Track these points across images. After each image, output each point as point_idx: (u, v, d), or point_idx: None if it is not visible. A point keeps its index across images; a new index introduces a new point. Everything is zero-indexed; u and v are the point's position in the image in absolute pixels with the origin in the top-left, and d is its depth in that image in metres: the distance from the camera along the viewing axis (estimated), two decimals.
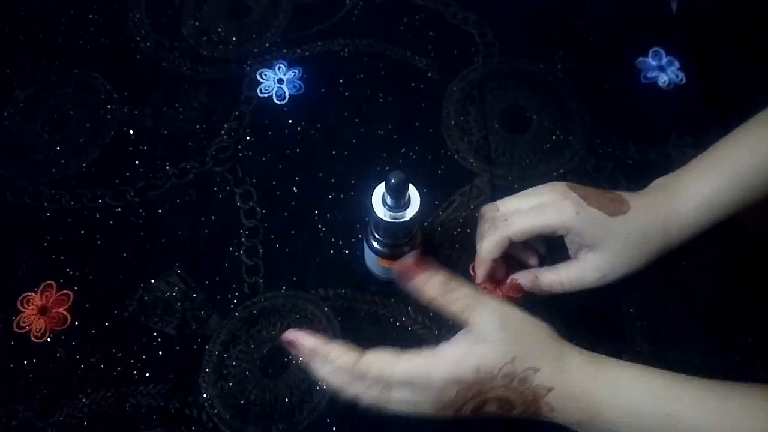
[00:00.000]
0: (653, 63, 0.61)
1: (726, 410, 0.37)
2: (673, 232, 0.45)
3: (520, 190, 0.49)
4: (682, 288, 0.51)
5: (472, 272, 0.49)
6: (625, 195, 0.46)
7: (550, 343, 0.40)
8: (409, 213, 0.41)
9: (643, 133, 0.57)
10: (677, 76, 0.60)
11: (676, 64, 0.61)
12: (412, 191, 0.42)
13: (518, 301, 0.49)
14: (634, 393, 0.39)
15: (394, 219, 0.41)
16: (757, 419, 0.37)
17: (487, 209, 0.47)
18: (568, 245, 0.46)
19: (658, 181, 0.48)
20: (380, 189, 0.42)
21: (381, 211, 0.42)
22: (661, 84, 0.60)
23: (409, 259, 0.41)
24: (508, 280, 0.47)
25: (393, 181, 0.39)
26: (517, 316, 0.40)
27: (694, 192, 0.45)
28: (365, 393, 0.38)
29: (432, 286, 0.39)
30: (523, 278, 0.47)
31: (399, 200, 0.41)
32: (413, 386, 0.38)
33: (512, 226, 0.44)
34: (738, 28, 0.66)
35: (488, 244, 0.44)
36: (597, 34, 0.62)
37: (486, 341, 0.38)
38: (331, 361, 0.38)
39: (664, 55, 0.61)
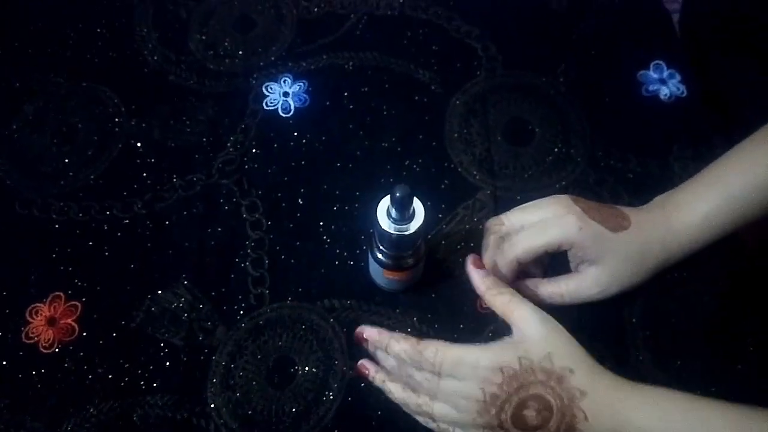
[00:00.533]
0: (654, 76, 0.62)
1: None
2: (670, 249, 0.46)
3: (523, 202, 0.50)
4: (684, 300, 0.51)
5: (470, 264, 0.49)
6: (627, 210, 0.47)
7: (583, 351, 0.43)
8: (414, 226, 0.42)
9: (645, 146, 0.58)
10: (678, 89, 0.61)
11: (678, 77, 0.61)
12: (417, 204, 0.42)
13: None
14: (660, 400, 0.41)
15: (399, 232, 0.42)
16: None
17: (492, 223, 0.47)
18: (570, 258, 0.47)
19: (658, 199, 0.49)
20: (385, 202, 0.42)
21: (386, 224, 0.42)
22: (662, 97, 0.60)
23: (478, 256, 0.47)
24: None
25: (398, 194, 0.40)
26: (554, 320, 0.43)
27: (691, 211, 0.46)
28: (419, 379, 0.43)
29: (487, 280, 0.45)
30: (524, 289, 0.48)
31: (404, 213, 0.41)
32: (462, 368, 0.41)
33: (518, 248, 0.45)
34: (740, 39, 0.67)
35: (500, 271, 0.46)
36: (598, 47, 0.63)
37: (526, 336, 0.42)
38: (394, 344, 0.44)
39: (665, 68, 0.62)
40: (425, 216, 0.42)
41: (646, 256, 0.46)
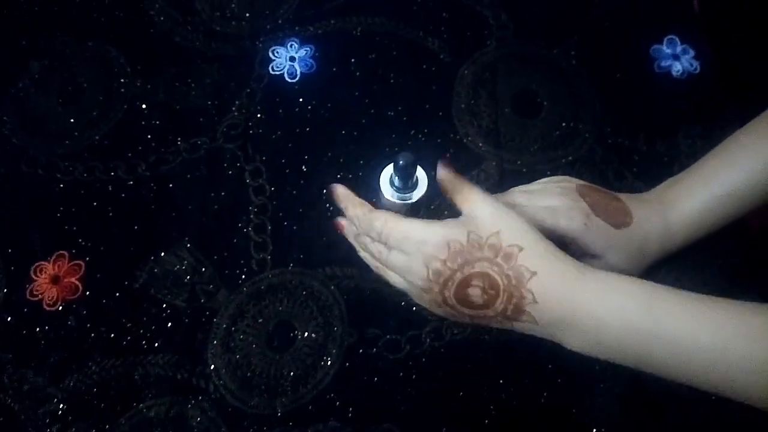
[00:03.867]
0: (668, 51, 0.60)
1: (712, 318, 0.37)
2: (667, 244, 0.47)
3: (529, 176, 0.49)
4: (683, 275, 0.51)
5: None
6: (629, 202, 0.47)
7: (537, 233, 0.41)
8: (417, 194, 0.42)
9: (654, 123, 0.57)
10: (692, 65, 0.60)
11: (691, 52, 0.60)
12: (420, 173, 0.42)
13: None
14: (620, 290, 0.38)
15: (402, 200, 0.42)
16: (739, 328, 0.36)
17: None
18: (570, 250, 0.46)
19: (658, 189, 0.49)
20: (388, 170, 0.42)
21: (389, 192, 0.42)
22: (674, 73, 0.59)
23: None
24: None
25: (402, 162, 0.39)
26: (507, 205, 0.42)
27: (687, 208, 0.46)
28: (372, 249, 0.43)
29: (449, 172, 0.42)
30: None
31: (407, 181, 0.41)
32: (408, 243, 0.41)
33: (526, 213, 0.44)
34: (759, 14, 0.65)
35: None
36: (612, 19, 0.62)
37: (477, 216, 0.40)
38: (351, 207, 0.44)
39: (679, 42, 0.61)
40: (429, 184, 0.42)
41: (645, 251, 0.46)
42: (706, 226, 0.47)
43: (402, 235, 0.41)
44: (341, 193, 0.46)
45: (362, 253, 0.47)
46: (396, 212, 0.44)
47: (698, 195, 0.47)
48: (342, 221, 0.47)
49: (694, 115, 0.57)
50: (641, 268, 0.47)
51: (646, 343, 0.37)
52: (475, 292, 0.39)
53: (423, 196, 0.42)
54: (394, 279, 0.44)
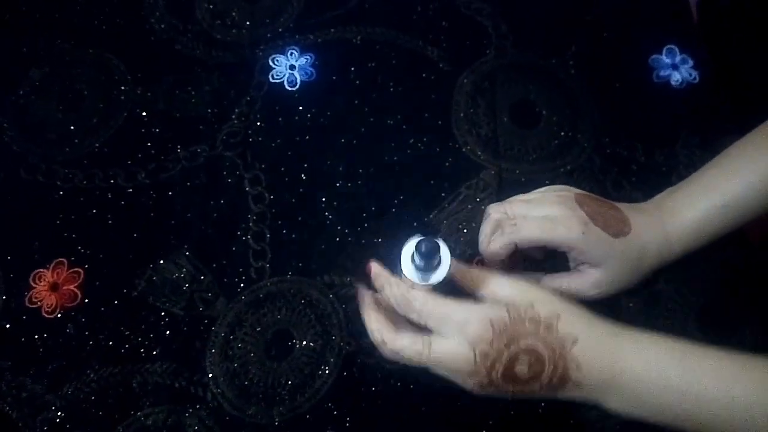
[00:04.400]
0: (667, 61, 0.61)
1: (749, 376, 0.38)
2: (665, 253, 0.47)
3: (528, 185, 0.50)
4: (683, 286, 0.51)
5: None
6: (627, 211, 0.47)
7: (566, 299, 0.42)
8: (440, 274, 0.40)
9: (653, 133, 0.57)
10: (690, 74, 0.60)
11: (690, 62, 0.60)
12: (444, 251, 0.40)
13: None
14: (657, 348, 0.40)
15: (425, 281, 0.40)
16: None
17: (494, 209, 0.47)
18: (569, 258, 0.47)
19: (657, 199, 0.49)
20: (409, 249, 0.40)
21: (410, 273, 0.40)
22: (673, 83, 0.59)
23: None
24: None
25: (424, 249, 0.38)
26: (526, 280, 0.42)
27: (685, 218, 0.47)
28: (408, 344, 0.41)
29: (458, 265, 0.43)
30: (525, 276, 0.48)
31: (430, 263, 0.40)
32: (449, 326, 0.39)
33: (520, 232, 0.44)
34: (761, 24, 0.66)
35: (495, 246, 0.45)
36: (611, 29, 0.62)
37: (505, 295, 0.41)
38: (388, 287, 0.42)
39: (678, 52, 0.61)
40: (450, 260, 0.41)
41: (643, 261, 0.46)
42: (705, 236, 0.47)
43: (442, 314, 0.40)
44: (377, 271, 0.44)
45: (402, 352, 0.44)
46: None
47: (697, 205, 0.47)
48: (373, 268, 0.45)
49: (692, 125, 0.57)
50: (639, 277, 0.47)
51: (684, 402, 0.38)
52: (522, 369, 0.39)
53: (446, 275, 0.40)
54: (436, 369, 0.42)
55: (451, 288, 0.48)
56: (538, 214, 0.45)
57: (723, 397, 0.37)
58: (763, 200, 0.46)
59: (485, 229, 0.47)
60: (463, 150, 0.56)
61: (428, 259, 0.39)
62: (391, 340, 0.41)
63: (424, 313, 0.40)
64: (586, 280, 0.46)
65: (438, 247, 0.39)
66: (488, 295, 0.42)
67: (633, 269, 0.46)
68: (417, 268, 0.40)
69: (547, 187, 0.49)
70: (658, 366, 0.39)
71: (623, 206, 0.48)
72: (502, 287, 0.41)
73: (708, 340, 0.48)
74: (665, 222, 0.47)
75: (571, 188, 0.48)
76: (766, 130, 0.48)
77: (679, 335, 0.48)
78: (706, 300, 0.51)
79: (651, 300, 0.51)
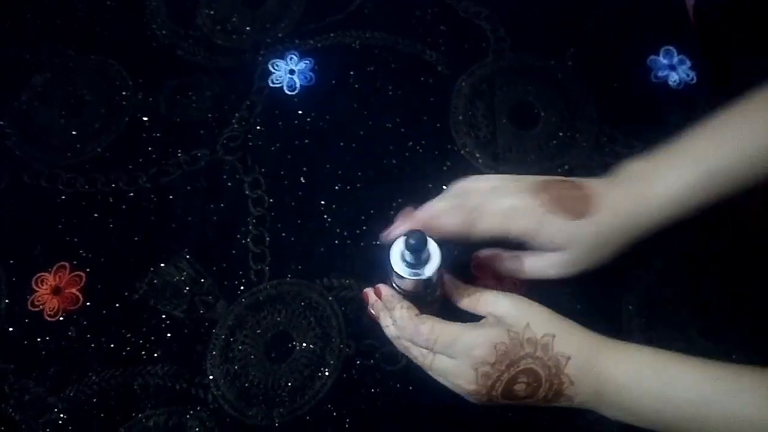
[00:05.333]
0: (664, 61, 0.61)
1: (722, 381, 0.39)
2: (642, 225, 0.45)
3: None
4: (682, 286, 0.51)
5: (473, 270, 0.50)
6: (595, 188, 0.45)
7: (557, 316, 0.43)
8: (430, 269, 0.41)
9: (651, 133, 0.56)
10: (688, 75, 0.60)
11: (688, 63, 0.60)
12: (432, 246, 0.41)
13: (520, 294, 0.49)
14: (635, 358, 0.41)
15: (415, 276, 0.41)
16: (750, 391, 0.38)
17: (460, 186, 0.47)
18: (532, 246, 0.46)
19: (629, 167, 0.47)
20: (399, 245, 0.41)
21: (401, 269, 0.41)
22: (671, 83, 0.60)
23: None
24: (476, 264, 0.49)
25: (412, 241, 0.39)
26: (520, 296, 0.44)
27: (663, 187, 0.44)
28: (415, 353, 0.43)
29: (450, 286, 0.45)
30: (485, 262, 0.48)
31: (420, 257, 0.41)
32: (455, 348, 0.41)
33: (477, 227, 0.44)
34: (757, 25, 0.66)
35: (448, 220, 0.44)
36: (609, 31, 0.62)
37: (501, 315, 0.42)
38: (398, 309, 0.44)
39: (675, 53, 0.61)
40: (441, 257, 0.41)
41: (610, 238, 0.45)
42: (688, 206, 0.45)
43: (449, 340, 0.41)
44: (386, 293, 0.45)
45: (401, 349, 0.46)
46: (410, 288, 0.43)
47: (682, 173, 0.45)
48: (369, 295, 0.46)
49: (690, 125, 0.57)
50: (610, 255, 0.45)
51: (662, 407, 0.39)
52: (520, 387, 0.41)
53: (436, 270, 0.41)
54: (436, 377, 0.44)
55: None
56: (495, 207, 0.44)
57: (699, 401, 0.39)
58: (749, 172, 0.44)
59: (444, 196, 0.47)
60: (462, 153, 0.57)
61: (417, 253, 0.40)
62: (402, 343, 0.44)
63: (431, 339, 0.42)
64: (548, 261, 0.45)
65: (426, 241, 0.39)
66: (483, 311, 0.43)
67: (598, 248, 0.45)
68: (407, 264, 0.41)
69: (506, 176, 0.48)
70: (638, 375, 0.40)
71: (591, 181, 0.46)
72: (498, 305, 0.43)
73: (708, 342, 0.49)
74: (643, 190, 0.45)
75: (530, 177, 0.47)
76: (753, 103, 0.46)
77: (679, 338, 0.49)
78: (705, 302, 0.51)
79: (650, 302, 0.51)
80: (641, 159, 0.47)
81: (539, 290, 0.49)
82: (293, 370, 0.49)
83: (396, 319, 0.44)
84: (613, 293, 0.51)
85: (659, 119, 0.58)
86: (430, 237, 0.41)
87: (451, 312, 0.45)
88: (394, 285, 0.45)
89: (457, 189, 0.47)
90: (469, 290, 0.45)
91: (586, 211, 0.44)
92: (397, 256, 0.41)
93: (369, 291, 0.46)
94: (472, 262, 0.49)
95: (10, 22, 0.65)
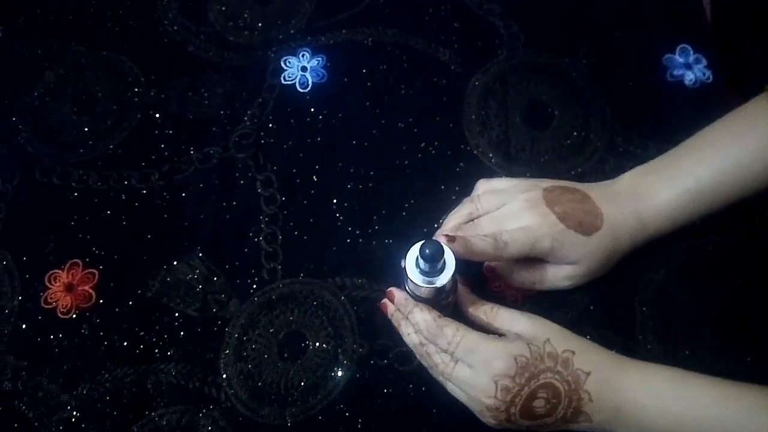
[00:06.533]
0: (680, 60, 0.60)
1: (741, 403, 0.39)
2: (637, 238, 0.47)
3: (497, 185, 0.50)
4: (697, 289, 0.51)
5: (485, 272, 0.49)
6: (598, 199, 0.47)
7: (575, 335, 0.44)
8: (444, 277, 0.41)
9: (666, 133, 0.56)
10: (704, 74, 0.59)
11: (704, 61, 0.60)
12: (448, 254, 0.41)
13: (533, 298, 0.49)
14: (657, 377, 0.42)
15: (430, 284, 0.41)
16: (765, 420, 0.38)
17: (467, 207, 0.48)
18: (546, 263, 0.47)
19: (628, 179, 0.49)
20: (414, 252, 0.41)
21: (415, 275, 0.41)
22: (687, 82, 0.59)
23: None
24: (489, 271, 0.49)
25: (428, 251, 0.39)
26: (537, 316, 0.44)
27: (659, 199, 0.46)
28: (436, 360, 0.43)
29: (466, 300, 0.46)
30: (498, 271, 0.49)
31: (435, 266, 0.40)
32: (476, 356, 0.41)
33: (507, 250, 0.44)
34: None
35: (482, 249, 0.44)
36: (623, 28, 0.62)
37: (521, 332, 0.43)
38: (417, 312, 0.44)
39: (691, 52, 0.60)
40: (456, 265, 0.41)
41: (617, 249, 0.47)
42: (679, 220, 0.47)
43: (471, 346, 0.41)
44: (400, 297, 0.45)
45: (422, 360, 0.46)
46: (424, 294, 0.43)
47: (672, 188, 0.46)
48: (388, 305, 0.46)
49: (706, 125, 0.56)
50: (612, 264, 0.48)
51: (682, 427, 0.39)
52: (539, 404, 0.40)
53: (450, 279, 0.41)
54: (453, 390, 0.43)
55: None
56: (510, 227, 0.45)
57: (717, 421, 0.39)
58: (739, 185, 0.45)
59: (455, 214, 0.48)
60: (474, 152, 0.56)
61: (432, 262, 0.40)
62: (426, 343, 0.44)
63: (454, 342, 0.42)
64: (559, 273, 0.47)
65: (442, 250, 0.39)
66: (501, 327, 0.44)
67: (607, 259, 0.47)
68: (422, 272, 0.41)
69: (515, 185, 0.48)
70: (658, 394, 0.41)
71: (594, 191, 0.47)
72: (516, 322, 0.43)
73: (723, 346, 0.48)
74: (639, 207, 0.47)
75: (538, 183, 0.48)
76: (742, 114, 0.47)
77: (694, 341, 0.49)
78: (721, 305, 0.50)
79: (663, 303, 0.50)
80: (637, 171, 0.49)
81: (552, 293, 0.50)
82: (306, 370, 0.49)
83: (418, 321, 0.43)
84: (626, 294, 0.50)
85: (674, 119, 0.57)
86: (446, 246, 0.41)
87: (461, 321, 0.44)
88: (408, 290, 0.44)
89: (464, 213, 0.48)
90: (486, 306, 0.45)
91: (597, 226, 0.45)
92: (412, 264, 0.41)
93: (387, 301, 0.46)
94: (485, 268, 0.49)
95: (22, 18, 0.65)
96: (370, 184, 0.55)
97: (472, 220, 0.48)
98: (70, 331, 0.51)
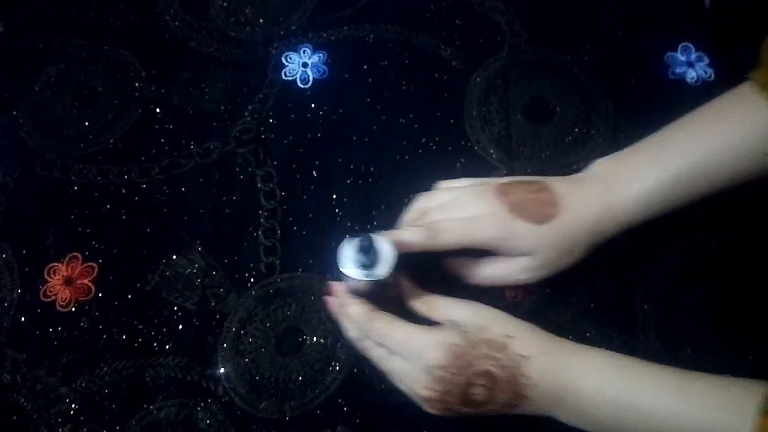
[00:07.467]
0: (682, 58, 0.60)
1: (682, 390, 0.39)
2: (606, 227, 0.45)
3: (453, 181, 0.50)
4: (698, 287, 0.50)
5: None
6: (560, 188, 0.45)
7: (516, 319, 0.43)
8: (382, 269, 0.40)
9: None
10: (706, 72, 0.59)
11: (706, 60, 0.60)
12: (383, 246, 0.41)
13: (534, 296, 0.49)
14: (599, 362, 0.41)
15: (368, 277, 0.41)
16: (709, 399, 0.38)
17: (419, 206, 0.47)
18: (497, 252, 0.46)
19: (596, 168, 0.47)
20: (349, 249, 0.41)
21: (352, 271, 0.41)
22: (688, 80, 0.59)
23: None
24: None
25: (361, 244, 0.38)
26: (477, 302, 0.44)
27: (632, 188, 0.44)
28: (371, 350, 0.43)
29: (408, 293, 0.45)
30: (452, 267, 0.48)
31: (370, 259, 0.40)
32: (408, 348, 0.41)
33: (440, 239, 0.43)
34: None
35: (410, 239, 0.43)
36: (626, 26, 0.62)
37: (458, 319, 0.42)
38: (351, 304, 0.43)
39: (693, 50, 0.60)
40: (395, 257, 0.41)
41: (578, 239, 0.44)
42: (654, 209, 0.45)
43: (401, 339, 0.41)
44: (338, 290, 0.45)
45: (365, 355, 0.45)
46: (363, 288, 0.43)
47: (647, 176, 0.44)
48: (331, 300, 0.46)
49: None
50: (576, 256, 0.45)
51: (621, 413, 0.39)
52: (478, 391, 0.39)
53: (389, 270, 0.41)
54: (397, 383, 0.43)
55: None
56: (456, 216, 0.44)
57: (650, 407, 0.38)
58: (718, 174, 0.44)
59: (408, 216, 0.48)
60: (475, 148, 0.56)
61: (366, 254, 0.39)
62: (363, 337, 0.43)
63: (386, 336, 0.41)
64: (515, 266, 0.45)
65: (374, 242, 0.39)
66: (439, 317, 0.43)
67: (565, 250, 0.45)
68: (357, 265, 0.40)
69: (469, 181, 0.48)
70: (596, 378, 0.40)
71: (558, 182, 0.46)
72: (454, 310, 0.42)
73: (724, 344, 0.48)
74: (609, 194, 0.45)
75: (492, 179, 0.47)
76: (722, 103, 0.46)
77: (695, 340, 0.48)
78: (722, 304, 0.50)
79: (664, 301, 0.50)
80: (607, 159, 0.47)
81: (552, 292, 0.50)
82: (304, 364, 0.49)
83: (351, 314, 0.43)
84: (627, 292, 0.50)
85: (676, 116, 0.57)
86: (382, 238, 0.40)
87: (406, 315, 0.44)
88: (348, 284, 0.44)
89: (417, 209, 0.47)
90: (425, 296, 0.44)
91: (551, 214, 0.44)
92: (348, 258, 0.41)
93: (329, 297, 0.46)
94: (443, 269, 0.48)
95: (24, 12, 0.65)
96: (370, 180, 0.55)
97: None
98: (69, 325, 0.51)
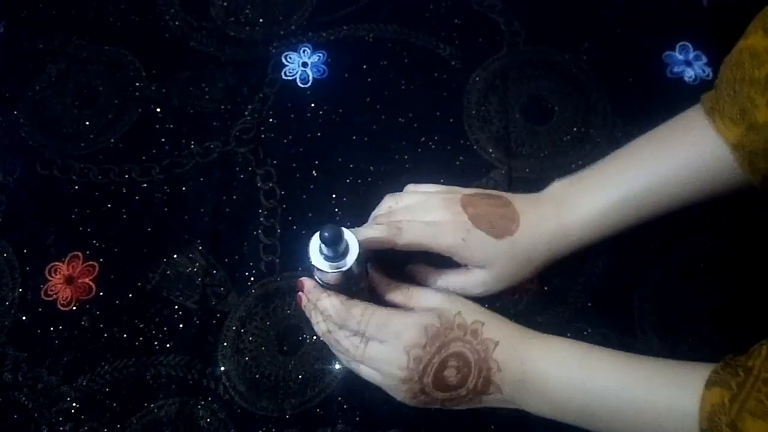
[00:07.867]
0: (680, 57, 0.60)
1: (639, 372, 0.40)
2: (557, 247, 0.47)
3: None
4: (696, 285, 0.51)
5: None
6: (520, 206, 0.47)
7: (487, 309, 0.45)
8: (349, 260, 0.41)
9: None
10: (704, 71, 0.59)
11: (704, 59, 0.60)
12: (349, 238, 0.41)
13: (533, 294, 0.50)
14: (561, 348, 0.43)
15: (336, 269, 0.41)
16: (662, 380, 0.39)
17: (387, 201, 0.49)
18: (454, 260, 0.47)
19: (555, 188, 0.48)
20: (316, 241, 0.41)
21: (320, 262, 0.41)
22: (686, 79, 0.59)
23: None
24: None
25: (327, 234, 0.39)
26: (451, 292, 0.46)
27: (582, 209, 0.46)
28: (346, 345, 0.44)
29: (382, 285, 0.47)
30: (414, 274, 0.49)
31: (337, 250, 0.40)
32: (387, 331, 0.42)
33: (402, 238, 0.45)
34: None
35: (374, 234, 0.44)
36: (624, 26, 0.62)
37: (434, 306, 0.44)
38: (325, 299, 0.44)
39: (691, 49, 0.60)
40: (360, 247, 0.42)
41: (532, 256, 0.46)
42: (604, 230, 0.46)
43: (381, 322, 0.42)
44: (308, 285, 0.45)
45: (334, 349, 0.46)
46: (332, 281, 0.43)
47: (597, 198, 0.46)
48: (301, 297, 0.46)
49: None
50: (529, 272, 0.47)
51: (587, 395, 0.40)
52: (451, 373, 0.41)
53: (355, 261, 0.41)
54: (368, 372, 0.44)
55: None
56: (421, 219, 0.45)
57: (615, 389, 0.40)
58: (664, 197, 0.45)
59: (376, 213, 0.49)
60: (474, 147, 0.56)
61: (333, 246, 0.40)
62: (334, 329, 0.44)
63: (363, 321, 0.43)
64: (471, 278, 0.47)
65: (340, 233, 0.40)
66: (415, 304, 0.45)
67: (520, 266, 0.46)
68: (325, 257, 0.41)
69: (437, 187, 0.49)
70: (561, 363, 0.42)
71: (519, 199, 0.47)
72: (430, 298, 0.45)
73: (722, 342, 0.48)
74: (562, 214, 0.46)
75: (459, 189, 0.49)
76: (673, 126, 0.47)
77: (693, 338, 0.49)
78: (720, 302, 0.50)
79: (663, 301, 0.50)
80: (565, 180, 0.49)
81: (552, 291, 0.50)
82: (304, 363, 0.49)
83: (326, 308, 0.44)
84: (625, 290, 0.50)
85: (674, 114, 0.57)
86: (348, 231, 0.41)
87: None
88: (317, 279, 0.45)
89: (385, 208, 0.49)
90: (401, 287, 0.46)
91: (508, 230, 0.45)
92: (316, 251, 0.42)
93: (300, 293, 0.46)
94: (408, 273, 0.50)
95: (24, 12, 0.65)
96: (370, 180, 0.55)
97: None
98: (70, 323, 0.51)
